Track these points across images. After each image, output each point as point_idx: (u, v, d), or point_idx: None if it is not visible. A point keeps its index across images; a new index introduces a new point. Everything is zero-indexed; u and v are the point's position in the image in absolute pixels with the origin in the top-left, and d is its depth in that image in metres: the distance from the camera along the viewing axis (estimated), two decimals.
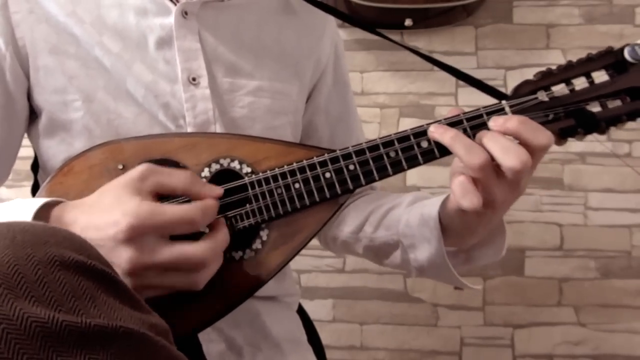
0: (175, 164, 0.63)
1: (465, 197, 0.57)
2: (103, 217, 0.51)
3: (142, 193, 0.53)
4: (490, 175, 0.57)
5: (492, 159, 0.56)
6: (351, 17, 0.75)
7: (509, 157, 0.55)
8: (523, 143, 0.57)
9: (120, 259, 0.50)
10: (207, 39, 0.74)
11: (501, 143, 0.56)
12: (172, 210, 0.52)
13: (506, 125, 0.58)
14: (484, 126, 0.60)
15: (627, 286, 1.43)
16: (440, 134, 0.59)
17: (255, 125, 0.76)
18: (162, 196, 0.56)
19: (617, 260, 1.43)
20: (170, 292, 0.55)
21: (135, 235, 0.50)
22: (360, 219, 0.81)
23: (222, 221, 0.58)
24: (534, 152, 0.57)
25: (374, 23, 1.42)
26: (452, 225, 0.66)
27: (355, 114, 0.94)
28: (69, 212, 0.54)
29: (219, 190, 0.58)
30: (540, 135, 0.57)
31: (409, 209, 0.74)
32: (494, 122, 0.59)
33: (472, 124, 0.60)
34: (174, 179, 0.55)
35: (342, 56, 0.91)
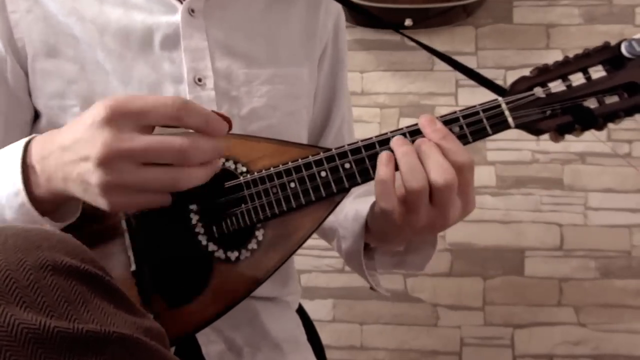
0: None
1: (382, 196, 0.59)
2: (80, 117, 0.50)
3: None
4: (423, 200, 0.58)
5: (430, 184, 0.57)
6: (359, 6, 0.74)
7: (437, 172, 0.56)
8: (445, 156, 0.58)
9: (95, 144, 0.47)
10: (216, 35, 0.73)
11: (435, 157, 0.57)
12: (151, 97, 0.50)
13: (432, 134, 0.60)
14: (480, 123, 0.61)
15: (627, 286, 1.43)
16: (397, 145, 0.60)
17: (276, 112, 0.75)
18: None
19: (617, 260, 1.43)
20: (145, 201, 0.52)
21: (112, 116, 0.48)
22: None
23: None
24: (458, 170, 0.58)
25: (374, 23, 1.42)
26: (372, 227, 0.69)
27: (347, 91, 0.93)
28: (48, 135, 0.54)
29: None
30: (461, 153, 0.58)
31: (354, 200, 0.77)
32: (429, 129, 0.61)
33: (469, 121, 0.61)
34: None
35: (344, 35, 0.90)
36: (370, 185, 0.78)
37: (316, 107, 0.87)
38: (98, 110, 0.48)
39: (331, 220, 0.78)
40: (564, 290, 1.44)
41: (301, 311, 0.91)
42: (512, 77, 1.44)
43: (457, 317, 1.46)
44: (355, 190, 0.80)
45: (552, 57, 1.41)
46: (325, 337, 0.95)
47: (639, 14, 1.44)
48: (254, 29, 0.76)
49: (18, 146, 0.55)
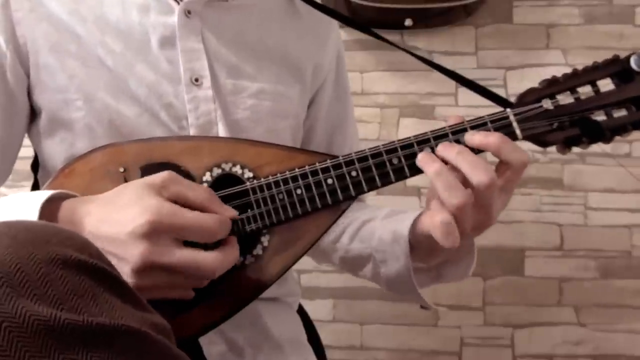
0: (176, 168, 0.62)
1: (448, 238, 0.58)
2: (121, 213, 0.52)
3: (163, 197, 0.54)
4: (468, 212, 0.58)
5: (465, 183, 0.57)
6: (351, 20, 0.75)
7: (479, 172, 0.56)
8: (503, 160, 0.59)
9: (133, 254, 0.51)
10: (210, 40, 0.73)
11: (469, 158, 0.57)
12: (193, 215, 0.53)
13: (487, 140, 0.59)
14: None
15: (627, 286, 1.43)
16: (425, 164, 0.59)
17: (258, 127, 0.76)
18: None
19: (617, 260, 1.43)
20: (170, 296, 0.55)
21: (153, 232, 0.51)
22: (339, 229, 0.82)
23: (234, 239, 0.58)
24: (510, 170, 0.58)
25: (374, 23, 1.41)
26: (419, 245, 0.68)
27: (353, 121, 0.94)
28: (82, 205, 0.54)
29: (234, 211, 0.59)
30: (519, 153, 0.59)
31: (383, 223, 0.76)
32: (474, 137, 0.60)
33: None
34: (194, 192, 0.56)
35: (344, 64, 0.91)
36: (392, 208, 0.78)
37: (318, 135, 0.88)
38: (140, 222, 0.51)
39: (359, 247, 0.78)
40: (564, 290, 1.44)
41: (301, 311, 0.92)
42: (512, 77, 1.45)
43: (457, 317, 1.46)
44: (380, 212, 0.79)
45: (552, 57, 1.44)
46: (325, 337, 0.95)
47: (639, 14, 1.44)
48: (247, 42, 0.77)
49: (38, 196, 0.54)
